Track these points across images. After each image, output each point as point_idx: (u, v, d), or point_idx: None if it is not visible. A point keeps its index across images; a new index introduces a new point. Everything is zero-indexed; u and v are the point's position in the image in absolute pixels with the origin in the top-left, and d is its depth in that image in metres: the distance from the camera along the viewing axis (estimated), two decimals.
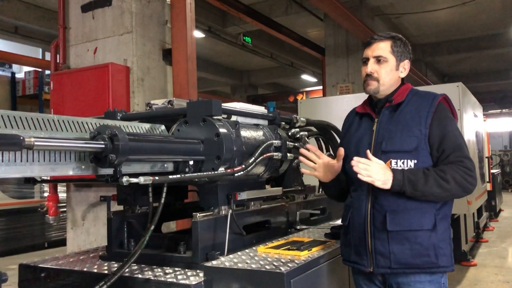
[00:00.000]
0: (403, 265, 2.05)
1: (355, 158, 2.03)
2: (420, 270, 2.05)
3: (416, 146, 2.06)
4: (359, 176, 2.01)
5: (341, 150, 2.22)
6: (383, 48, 2.19)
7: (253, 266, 2.08)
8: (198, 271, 2.15)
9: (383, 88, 2.20)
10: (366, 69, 2.20)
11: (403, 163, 2.07)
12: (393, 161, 2.08)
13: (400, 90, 2.22)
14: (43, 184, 7.99)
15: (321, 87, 14.29)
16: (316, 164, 2.31)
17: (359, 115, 2.34)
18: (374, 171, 1.99)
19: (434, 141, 2.08)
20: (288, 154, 2.81)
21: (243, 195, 2.48)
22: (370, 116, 2.25)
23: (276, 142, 2.70)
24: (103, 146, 1.81)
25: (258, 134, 2.66)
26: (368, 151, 2.05)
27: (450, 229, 2.16)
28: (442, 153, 2.06)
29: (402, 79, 2.27)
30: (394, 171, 2.02)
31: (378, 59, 2.19)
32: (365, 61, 2.23)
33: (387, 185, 2.00)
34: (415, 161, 2.06)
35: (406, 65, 2.24)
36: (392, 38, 2.22)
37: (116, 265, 2.36)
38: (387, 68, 2.19)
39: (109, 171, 1.89)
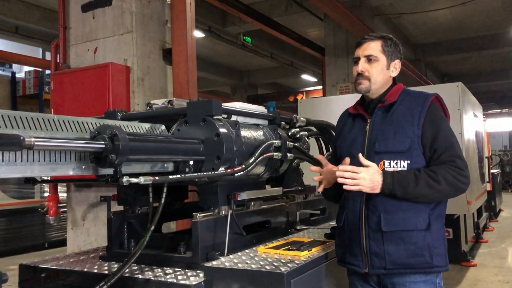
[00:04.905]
0: (398, 265, 2.05)
1: (341, 167, 2.05)
2: (415, 270, 2.06)
3: (409, 147, 2.07)
4: (344, 187, 2.03)
5: (347, 160, 2.16)
6: (373, 47, 2.21)
7: (253, 266, 2.08)
8: (198, 271, 2.15)
9: (375, 87, 2.20)
10: (357, 68, 2.22)
11: (396, 163, 2.07)
12: (386, 162, 2.09)
13: (392, 90, 2.23)
14: (43, 184, 7.99)
15: (321, 87, 14.29)
16: (322, 174, 2.33)
17: (352, 116, 2.34)
18: (361, 178, 2.00)
19: (426, 141, 2.08)
20: (288, 154, 2.81)
21: (243, 195, 2.48)
22: (363, 117, 2.26)
23: (276, 142, 2.70)
24: (103, 146, 1.81)
25: (258, 134, 2.66)
26: (360, 154, 2.06)
27: (444, 228, 2.17)
28: (434, 152, 2.07)
29: (394, 79, 2.28)
30: (384, 174, 2.03)
31: (369, 58, 2.20)
32: (356, 60, 2.25)
33: (376, 190, 2.03)
34: (408, 162, 2.07)
35: (397, 65, 2.26)
36: (383, 38, 2.24)
37: (116, 265, 2.36)
38: (378, 67, 2.20)
39: (109, 171, 1.89)
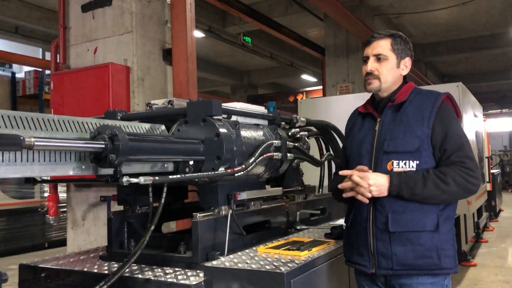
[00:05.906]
0: (405, 266, 2.03)
1: (344, 184, 2.09)
2: (422, 271, 2.03)
3: (418, 147, 2.04)
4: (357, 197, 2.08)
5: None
6: (383, 46, 2.17)
7: (253, 266, 2.08)
8: (198, 271, 2.15)
9: (385, 86, 2.17)
10: (367, 68, 2.18)
11: (405, 164, 2.04)
12: (395, 162, 2.06)
13: (403, 89, 2.20)
14: (43, 184, 7.99)
15: (321, 87, 14.29)
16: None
17: (362, 115, 2.31)
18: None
19: (436, 141, 2.05)
20: (288, 154, 2.81)
21: (243, 195, 2.48)
22: (373, 116, 2.23)
23: (276, 142, 2.70)
24: (103, 146, 1.81)
25: (258, 134, 2.66)
26: (353, 176, 2.06)
27: (453, 230, 2.13)
28: (444, 153, 2.03)
29: (405, 77, 2.25)
30: (391, 175, 2.01)
31: (378, 57, 2.17)
32: (365, 59, 2.21)
33: (384, 193, 2.02)
34: (417, 162, 2.03)
35: (407, 63, 2.22)
36: (392, 36, 2.20)
37: (116, 265, 2.36)
38: (387, 66, 2.16)
39: (109, 171, 1.89)
